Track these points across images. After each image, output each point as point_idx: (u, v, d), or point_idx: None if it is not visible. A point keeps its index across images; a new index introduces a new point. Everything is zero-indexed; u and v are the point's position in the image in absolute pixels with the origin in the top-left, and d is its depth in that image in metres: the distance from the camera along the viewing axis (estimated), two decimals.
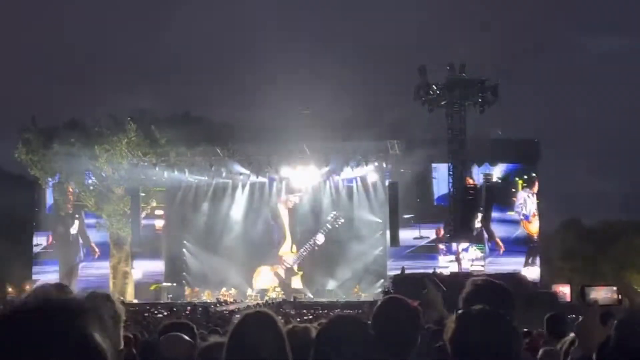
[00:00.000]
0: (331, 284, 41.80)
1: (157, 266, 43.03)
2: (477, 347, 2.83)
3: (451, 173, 36.78)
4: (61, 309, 1.33)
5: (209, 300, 38.41)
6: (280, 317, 3.68)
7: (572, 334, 4.07)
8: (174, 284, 42.04)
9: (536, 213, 41.70)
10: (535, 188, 41.93)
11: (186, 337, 4.34)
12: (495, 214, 40.55)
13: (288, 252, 43.40)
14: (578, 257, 43.88)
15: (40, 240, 43.44)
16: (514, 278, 32.31)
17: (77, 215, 42.98)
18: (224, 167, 41.92)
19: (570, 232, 45.34)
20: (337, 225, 42.53)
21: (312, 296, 40.28)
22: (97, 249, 42.69)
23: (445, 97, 35.76)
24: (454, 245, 38.88)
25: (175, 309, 29.73)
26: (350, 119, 38.45)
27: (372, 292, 39.44)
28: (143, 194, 41.87)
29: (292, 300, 36.70)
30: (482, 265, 38.65)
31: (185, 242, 43.85)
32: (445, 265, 38.47)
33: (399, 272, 34.74)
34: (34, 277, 41.19)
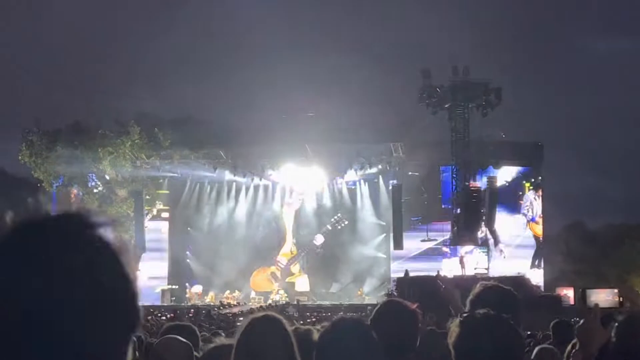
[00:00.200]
0: (334, 287, 41.80)
1: (162, 269, 43.06)
2: (480, 351, 2.84)
3: (454, 176, 36.79)
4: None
5: (212, 303, 38.42)
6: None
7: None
8: (178, 287, 42.06)
9: (542, 215, 41.79)
10: (541, 191, 42.01)
11: (183, 339, 4.34)
12: (501, 216, 40.56)
13: (287, 254, 43.41)
14: (582, 260, 43.82)
15: None
16: (518, 281, 32.27)
17: None
18: (228, 170, 41.95)
19: (574, 235, 45.29)
20: (339, 228, 42.50)
21: (315, 299, 40.27)
22: None
23: (448, 100, 35.78)
24: (458, 248, 38.84)
25: (178, 312, 29.73)
26: (353, 121, 38.44)
27: (375, 295, 39.39)
28: (148, 197, 41.98)
29: (295, 302, 36.70)
30: (486, 269, 38.60)
31: (188, 244, 43.89)
32: (449, 268, 38.43)
33: (402, 275, 34.71)
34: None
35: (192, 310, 30.31)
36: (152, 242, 42.14)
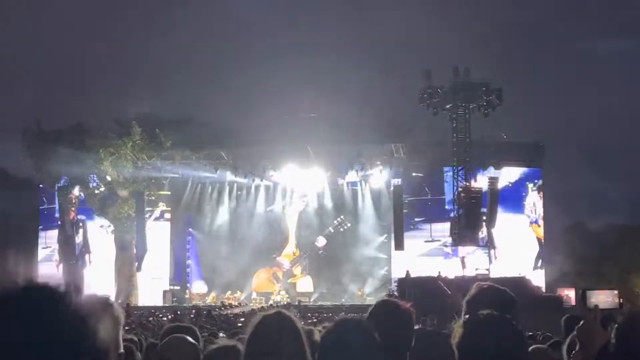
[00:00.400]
0: (336, 288, 41.82)
1: (163, 269, 43.09)
2: (484, 352, 2.85)
3: (455, 176, 36.80)
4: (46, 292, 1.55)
5: (213, 304, 38.44)
6: None
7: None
8: (179, 288, 42.09)
9: (543, 216, 41.88)
10: (542, 191, 42.13)
11: (190, 340, 4.34)
12: (505, 217, 40.64)
13: (290, 255, 43.44)
14: (583, 261, 43.78)
15: (44, 244, 43.50)
16: (519, 282, 32.26)
17: (81, 220, 43.05)
18: (229, 170, 41.97)
19: (575, 236, 45.25)
20: (341, 230, 42.57)
21: (316, 300, 40.30)
22: (100, 254, 42.79)
23: (449, 101, 35.78)
24: (459, 248, 38.85)
25: (178, 312, 29.72)
26: (354, 122, 38.43)
27: (377, 295, 39.40)
28: (153, 197, 42.12)
29: (296, 303, 36.70)
30: (487, 269, 38.60)
31: (189, 245, 43.92)
32: (451, 268, 38.43)
33: (403, 275, 34.72)
34: (38, 280, 41.17)
35: (194, 310, 30.28)
36: (154, 242, 42.22)
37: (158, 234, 42.98)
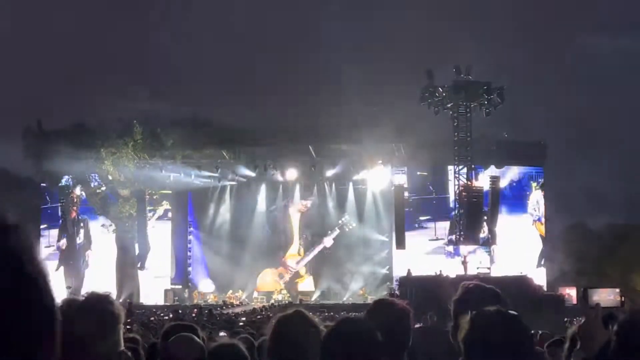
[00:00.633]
0: (337, 287, 41.84)
1: (165, 268, 43.15)
2: (491, 347, 2.87)
3: (457, 175, 36.78)
4: None
5: (214, 303, 38.46)
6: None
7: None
8: (181, 287, 42.12)
9: (545, 215, 42.03)
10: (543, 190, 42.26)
11: (196, 338, 4.35)
12: (508, 216, 40.75)
13: (295, 255, 43.45)
14: (584, 259, 43.78)
15: (46, 243, 43.52)
16: (521, 281, 32.26)
17: (83, 219, 43.09)
18: (230, 170, 41.99)
19: (576, 235, 45.26)
20: (347, 230, 42.64)
21: (318, 299, 40.30)
22: (101, 253, 42.83)
23: (451, 100, 35.75)
24: (460, 247, 38.84)
25: (180, 312, 29.74)
26: (356, 121, 38.43)
27: (378, 294, 39.41)
28: (156, 196, 42.22)
29: (298, 302, 36.70)
30: (488, 268, 38.61)
31: (191, 244, 43.94)
32: (452, 267, 38.44)
33: (405, 274, 34.72)
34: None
35: (195, 310, 30.30)
36: (157, 241, 42.32)
37: (160, 233, 43.06)
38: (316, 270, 42.79)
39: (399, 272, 38.08)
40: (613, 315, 4.11)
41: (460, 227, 35.91)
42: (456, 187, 36.78)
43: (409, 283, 31.69)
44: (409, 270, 34.87)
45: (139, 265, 42.03)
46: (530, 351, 3.01)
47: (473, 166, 36.71)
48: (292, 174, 41.77)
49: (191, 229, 44.20)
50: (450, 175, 39.14)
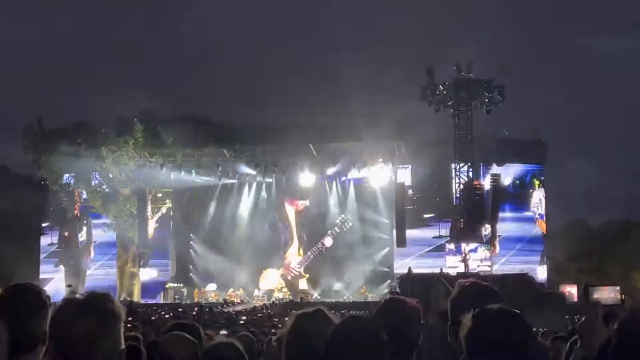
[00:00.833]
0: (338, 285, 41.82)
1: (165, 267, 43.19)
2: (492, 345, 2.88)
3: (457, 173, 36.78)
4: None
5: (215, 301, 38.48)
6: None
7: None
8: (181, 285, 42.14)
9: (545, 212, 42.07)
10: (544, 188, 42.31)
11: (188, 336, 4.36)
12: (511, 214, 40.79)
13: (295, 255, 43.44)
14: (585, 257, 43.80)
15: (47, 241, 43.55)
16: (523, 278, 32.27)
17: (83, 218, 43.11)
18: (231, 168, 41.99)
19: (576, 233, 45.27)
20: (345, 229, 42.62)
21: (319, 297, 40.29)
22: (102, 251, 42.89)
23: (452, 97, 35.72)
24: (462, 245, 38.86)
25: (180, 310, 29.78)
26: (356, 119, 38.41)
27: (379, 292, 39.44)
28: (160, 195, 42.27)
29: (298, 300, 36.72)
30: (489, 266, 38.64)
31: (192, 243, 43.97)
32: (453, 265, 38.47)
33: (405, 272, 34.71)
34: (42, 276, 41.27)
35: (196, 308, 30.33)
36: (158, 240, 42.38)
37: (162, 231, 43.12)
38: (317, 268, 42.76)
39: (399, 270, 38.08)
40: (614, 313, 4.11)
41: (462, 225, 35.91)
42: (457, 184, 36.77)
43: (409, 281, 31.68)
44: (409, 268, 34.87)
45: (140, 264, 42.05)
46: (532, 349, 3.01)
47: (474, 164, 36.73)
48: (292, 172, 41.75)
49: (192, 227, 44.19)
50: (454, 173, 39.22)
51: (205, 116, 41.54)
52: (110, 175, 40.53)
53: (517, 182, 41.57)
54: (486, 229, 38.07)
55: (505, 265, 39.78)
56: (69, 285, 38.23)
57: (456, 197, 36.91)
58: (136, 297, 39.89)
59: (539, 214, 41.93)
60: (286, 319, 3.61)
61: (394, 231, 39.29)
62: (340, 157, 40.68)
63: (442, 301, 4.17)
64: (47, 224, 43.61)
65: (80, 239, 43.19)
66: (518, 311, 3.02)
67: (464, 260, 38.60)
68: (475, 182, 36.24)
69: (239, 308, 33.55)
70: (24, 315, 3.07)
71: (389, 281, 40.14)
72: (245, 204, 43.93)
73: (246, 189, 43.92)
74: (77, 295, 2.95)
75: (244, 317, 23.68)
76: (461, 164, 36.59)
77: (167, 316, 24.18)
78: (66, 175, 41.29)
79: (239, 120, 41.05)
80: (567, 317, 22.88)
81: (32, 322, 3.07)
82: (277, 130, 39.22)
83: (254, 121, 40.54)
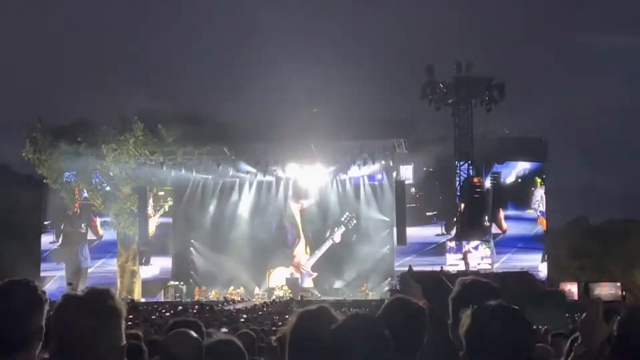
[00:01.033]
0: (338, 283, 41.81)
1: (166, 265, 43.18)
2: (493, 342, 2.88)
3: (458, 172, 36.79)
4: None
5: (216, 299, 38.45)
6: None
7: None
8: (182, 283, 42.13)
9: (545, 210, 42.11)
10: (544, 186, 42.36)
11: (193, 334, 4.35)
12: (512, 212, 40.80)
13: (303, 253, 43.43)
14: (585, 255, 43.81)
15: (48, 239, 43.57)
16: (523, 276, 32.30)
17: (84, 216, 43.12)
18: (231, 166, 41.97)
19: (577, 231, 45.30)
20: (350, 227, 42.64)
21: (319, 295, 40.27)
22: (103, 249, 42.91)
23: (452, 96, 35.72)
24: (462, 243, 38.87)
25: (181, 308, 29.76)
26: (357, 117, 38.41)
27: (379, 290, 39.46)
28: (162, 193, 42.28)
29: (299, 299, 36.71)
30: (490, 264, 38.63)
31: (192, 241, 43.95)
32: (454, 263, 38.49)
33: (406, 270, 34.72)
34: (42, 274, 41.29)
35: (196, 306, 30.32)
36: (159, 238, 42.38)
37: (163, 229, 43.11)
38: (317, 266, 42.76)
39: (400, 268, 38.10)
40: (614, 309, 4.11)
41: (462, 222, 35.91)
42: (457, 182, 36.78)
43: (410, 279, 31.68)
44: (410, 266, 34.90)
45: (141, 262, 42.04)
46: (531, 345, 3.02)
47: (474, 162, 36.73)
48: (293, 170, 41.74)
49: (192, 225, 44.17)
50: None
51: (205, 114, 41.53)
52: (111, 174, 40.53)
53: (519, 180, 41.59)
54: (487, 227, 38.07)
55: (507, 263, 39.79)
56: (69, 284, 38.26)
57: (457, 195, 36.92)
58: (137, 295, 39.89)
59: (540, 212, 41.96)
60: (287, 317, 3.60)
61: (395, 229, 39.28)
62: (340, 155, 40.65)
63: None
64: (48, 222, 43.62)
65: (80, 238, 43.18)
66: (517, 307, 3.02)
67: (465, 258, 38.63)
68: (475, 179, 36.23)
69: (239, 306, 33.54)
70: (17, 311, 3.03)
71: (389, 279, 40.12)
72: (245, 202, 43.90)
73: (246, 187, 43.90)
74: (77, 292, 2.95)
75: (245, 315, 23.67)
76: (461, 162, 36.60)
77: (167, 314, 24.16)
78: (66, 174, 41.26)
79: (239, 118, 41.03)
80: (567, 315, 22.91)
81: (26, 318, 3.03)
82: (277, 128, 39.18)
83: (254, 118, 40.51)
